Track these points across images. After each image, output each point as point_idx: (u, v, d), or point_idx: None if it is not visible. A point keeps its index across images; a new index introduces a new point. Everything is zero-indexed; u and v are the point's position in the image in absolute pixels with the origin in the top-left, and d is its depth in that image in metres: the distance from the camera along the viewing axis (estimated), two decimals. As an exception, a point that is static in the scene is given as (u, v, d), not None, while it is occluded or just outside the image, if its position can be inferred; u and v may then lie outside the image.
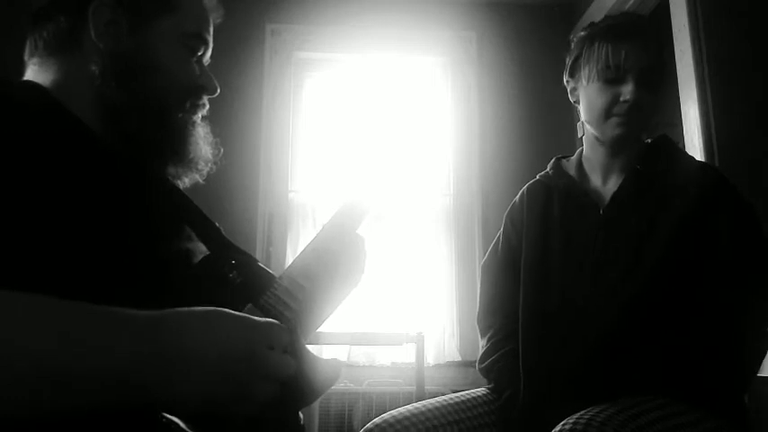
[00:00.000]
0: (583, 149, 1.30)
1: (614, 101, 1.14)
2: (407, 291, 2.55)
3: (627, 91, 1.12)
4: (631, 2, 2.32)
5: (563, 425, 0.92)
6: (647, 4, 2.29)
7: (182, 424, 0.57)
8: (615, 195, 1.19)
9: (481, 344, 1.33)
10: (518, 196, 1.37)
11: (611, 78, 1.14)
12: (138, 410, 0.54)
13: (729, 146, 1.76)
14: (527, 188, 1.35)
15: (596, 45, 1.15)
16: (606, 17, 1.23)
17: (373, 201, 0.76)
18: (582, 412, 0.94)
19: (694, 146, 1.81)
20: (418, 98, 2.84)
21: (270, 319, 0.60)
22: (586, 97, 1.20)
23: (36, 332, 0.49)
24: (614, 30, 1.15)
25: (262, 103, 2.66)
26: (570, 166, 1.30)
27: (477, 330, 1.37)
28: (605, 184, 1.24)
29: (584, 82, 1.19)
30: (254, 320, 0.58)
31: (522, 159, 2.70)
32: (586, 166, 1.28)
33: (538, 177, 1.35)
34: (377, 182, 0.82)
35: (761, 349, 1.11)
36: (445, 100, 2.83)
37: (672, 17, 1.96)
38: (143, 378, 0.51)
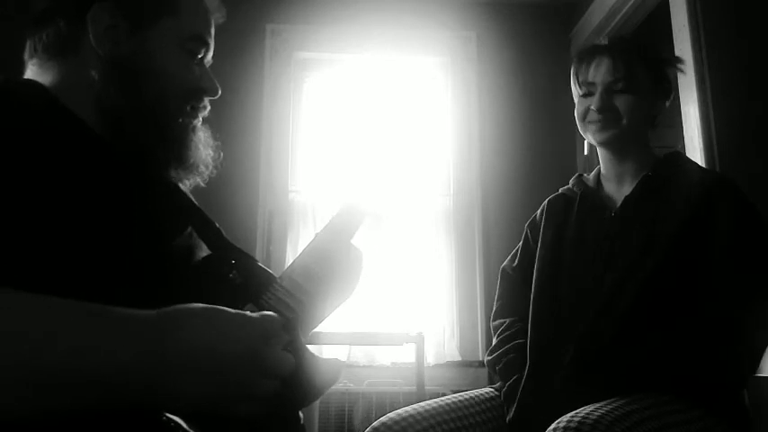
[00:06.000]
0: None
1: (587, 111, 1.31)
2: (407, 291, 2.55)
3: (594, 101, 1.29)
4: (631, 2, 2.31)
5: (557, 423, 0.93)
6: (647, 4, 2.28)
7: (182, 423, 0.57)
8: (627, 197, 1.28)
9: (494, 342, 1.39)
10: (539, 209, 1.47)
11: (585, 93, 1.32)
12: (138, 410, 0.53)
13: (729, 146, 1.76)
14: (548, 200, 1.46)
15: (575, 67, 1.35)
16: (589, 43, 1.41)
17: (371, 203, 0.76)
18: (576, 411, 0.95)
19: (694, 146, 1.81)
20: (418, 98, 2.84)
21: (267, 313, 0.60)
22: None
23: (36, 334, 0.49)
24: (585, 53, 1.35)
25: (262, 104, 2.66)
26: (589, 179, 1.41)
27: (491, 330, 1.43)
28: (619, 190, 1.32)
29: (575, 98, 1.37)
30: (252, 317, 0.58)
31: (521, 159, 2.71)
32: (602, 176, 1.38)
33: (559, 191, 1.45)
34: (375, 184, 0.83)
35: (758, 347, 1.12)
36: (445, 100, 2.82)
37: (672, 17, 1.96)
38: (146, 377, 0.51)
